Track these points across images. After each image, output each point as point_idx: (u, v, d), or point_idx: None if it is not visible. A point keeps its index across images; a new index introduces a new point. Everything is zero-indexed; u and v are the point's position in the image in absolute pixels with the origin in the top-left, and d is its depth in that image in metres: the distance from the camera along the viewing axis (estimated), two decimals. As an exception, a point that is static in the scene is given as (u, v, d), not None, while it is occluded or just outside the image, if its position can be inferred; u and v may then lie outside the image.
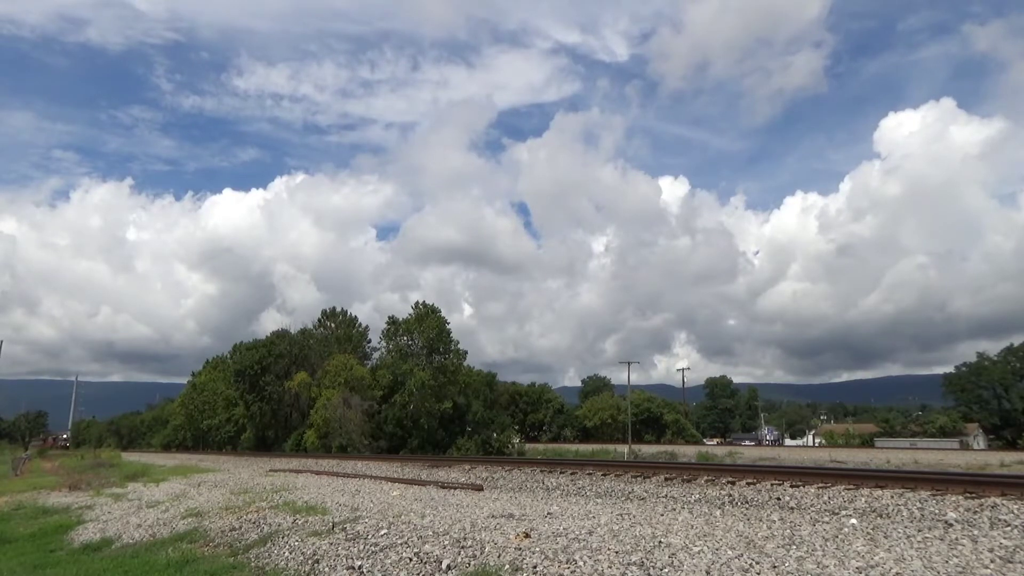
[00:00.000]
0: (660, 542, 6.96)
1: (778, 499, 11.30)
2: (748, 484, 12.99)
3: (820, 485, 12.12)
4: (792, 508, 10.40)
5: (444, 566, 6.84)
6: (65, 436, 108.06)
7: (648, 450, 68.44)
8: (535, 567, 6.34)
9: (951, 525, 7.86)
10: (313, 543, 8.78)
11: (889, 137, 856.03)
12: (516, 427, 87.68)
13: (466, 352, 61.09)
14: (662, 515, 9.15)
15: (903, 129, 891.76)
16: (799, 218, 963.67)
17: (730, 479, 13.79)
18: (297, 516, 10.94)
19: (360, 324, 66.50)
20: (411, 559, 7.30)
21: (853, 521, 8.18)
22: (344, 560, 7.78)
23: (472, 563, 6.80)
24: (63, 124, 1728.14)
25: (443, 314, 60.27)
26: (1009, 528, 7.73)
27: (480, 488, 14.67)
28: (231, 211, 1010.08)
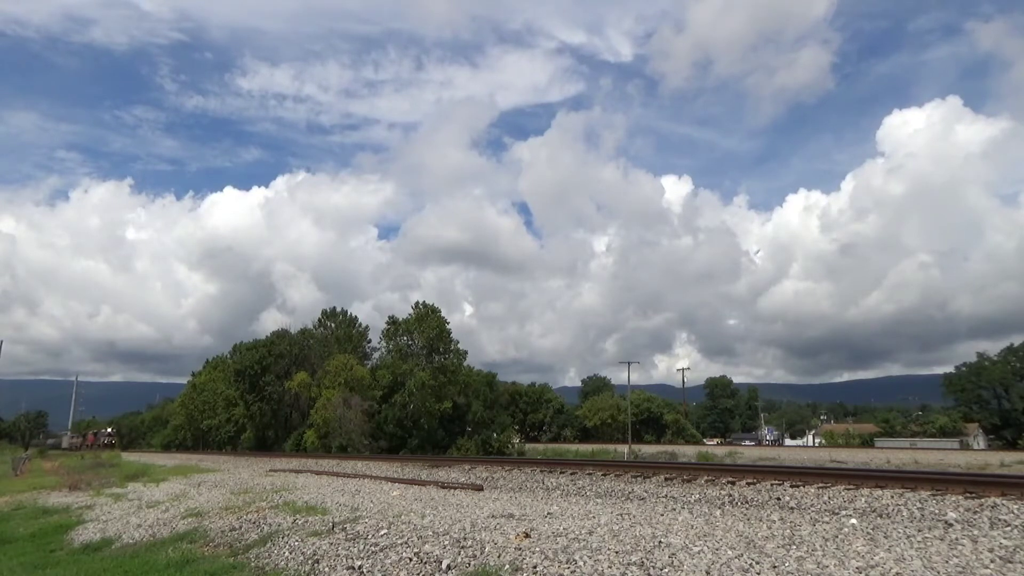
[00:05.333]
0: (660, 542, 6.95)
1: (778, 499, 11.29)
2: (748, 484, 12.98)
3: (820, 485, 12.12)
4: (792, 508, 10.39)
5: (444, 566, 6.83)
6: (110, 431, 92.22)
7: (648, 450, 68.42)
8: (535, 567, 6.34)
9: (951, 525, 7.86)
10: (313, 543, 8.78)
11: (893, 135, 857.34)
12: (516, 427, 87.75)
13: (466, 352, 61.27)
14: (662, 515, 9.14)
15: (907, 127, 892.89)
16: (801, 217, 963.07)
17: (730, 479, 13.78)
18: (297, 516, 10.94)
19: (360, 324, 66.65)
20: (411, 559, 7.29)
21: (853, 521, 8.18)
22: (344, 560, 7.78)
23: (472, 563, 6.79)
24: (67, 124, 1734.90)
25: (443, 314, 60.41)
26: (1009, 528, 7.72)
27: (480, 488, 14.66)
28: (232, 210, 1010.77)
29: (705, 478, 14.29)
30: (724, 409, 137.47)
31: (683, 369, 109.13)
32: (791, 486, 12.35)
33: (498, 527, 8.39)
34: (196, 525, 11.87)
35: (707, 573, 5.78)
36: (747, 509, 10.15)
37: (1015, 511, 8.67)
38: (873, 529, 7.49)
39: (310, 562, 8.01)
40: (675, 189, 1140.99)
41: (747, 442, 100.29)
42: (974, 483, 10.71)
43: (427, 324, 58.56)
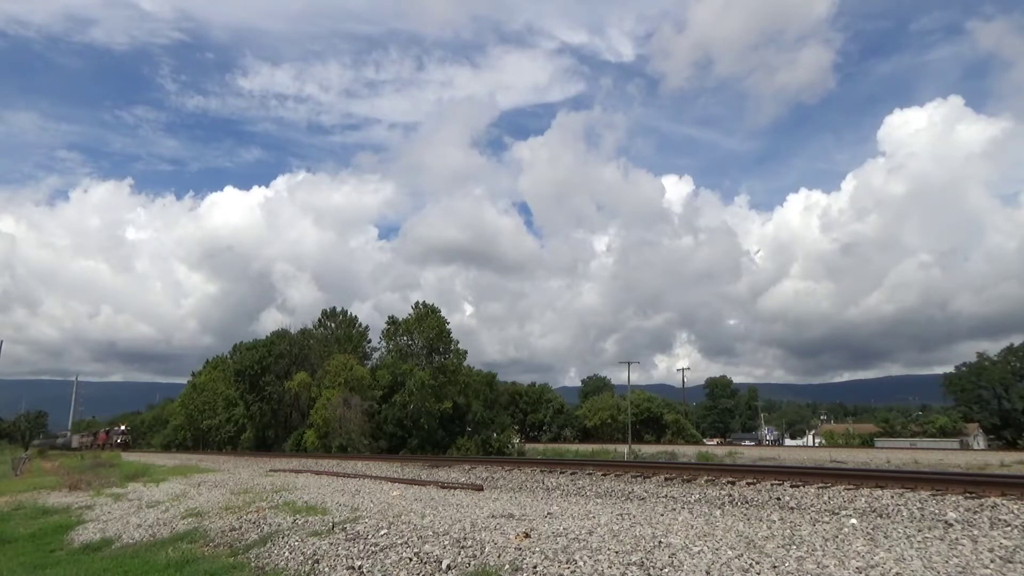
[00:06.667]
0: (660, 542, 6.95)
1: (778, 499, 11.29)
2: (748, 484, 12.98)
3: (820, 485, 12.11)
4: (792, 508, 10.39)
5: (444, 566, 6.83)
6: (123, 429, 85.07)
7: (648, 450, 68.44)
8: (535, 567, 6.34)
9: (951, 525, 7.86)
10: (313, 543, 8.78)
11: (894, 135, 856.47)
12: (516, 427, 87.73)
13: (466, 352, 61.26)
14: (662, 515, 9.14)
15: (908, 127, 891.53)
16: (802, 216, 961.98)
17: (730, 479, 13.78)
18: (297, 516, 10.94)
19: (360, 324, 66.62)
20: (411, 559, 7.29)
21: (853, 521, 8.18)
22: (344, 560, 7.78)
23: (472, 563, 6.80)
24: (67, 124, 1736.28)
25: (443, 314, 60.41)
26: (1009, 528, 7.72)
27: (480, 488, 14.66)
28: (232, 210, 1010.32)
29: (705, 478, 14.28)
30: (724, 409, 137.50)
31: (683, 369, 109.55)
32: (791, 486, 12.35)
33: (498, 527, 8.39)
34: (196, 525, 11.87)
35: (707, 573, 5.78)
36: (747, 509, 10.15)
37: (1015, 511, 8.67)
38: (873, 529, 7.49)
39: (310, 562, 8.01)
40: (676, 189, 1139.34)
41: (747, 442, 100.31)
42: (974, 483, 10.70)
43: (427, 324, 58.56)
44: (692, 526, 8.01)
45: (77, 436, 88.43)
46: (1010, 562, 5.81)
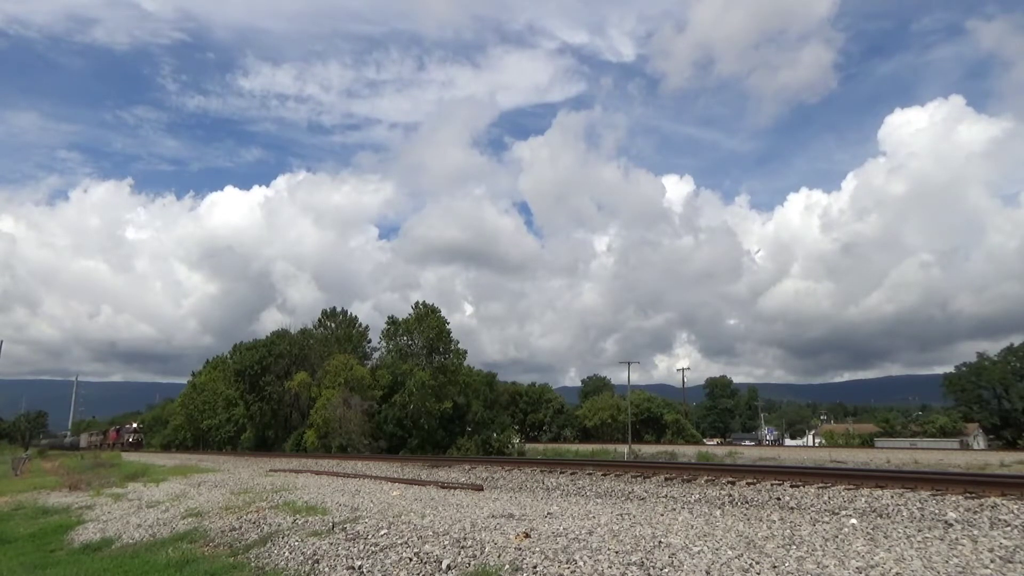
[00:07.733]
0: (660, 542, 6.95)
1: (778, 499, 11.29)
2: (748, 484, 12.98)
3: (820, 485, 12.11)
4: (792, 508, 10.38)
5: (444, 566, 6.83)
6: (135, 427, 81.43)
7: (648, 450, 68.46)
8: (535, 567, 6.34)
9: (951, 525, 7.85)
10: (313, 543, 8.78)
11: (894, 135, 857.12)
12: (516, 427, 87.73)
13: (466, 352, 61.23)
14: (662, 515, 9.14)
15: (909, 127, 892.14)
16: (802, 216, 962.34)
17: (730, 479, 13.78)
18: (297, 516, 10.94)
19: (360, 324, 66.61)
20: (411, 559, 7.29)
21: (853, 521, 8.18)
22: (344, 560, 7.78)
23: (472, 563, 6.79)
24: (68, 124, 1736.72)
25: (443, 314, 60.38)
26: (1009, 528, 7.72)
27: (480, 488, 14.66)
28: (232, 209, 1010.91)
29: (705, 478, 14.28)
30: (724, 409, 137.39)
31: (683, 369, 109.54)
32: (791, 486, 12.35)
33: (498, 527, 8.39)
34: (196, 525, 11.87)
35: (707, 573, 5.78)
36: (747, 509, 10.14)
37: (1015, 511, 8.67)
38: (873, 529, 7.49)
39: (310, 562, 8.01)
40: (676, 189, 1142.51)
41: (747, 442, 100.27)
42: (974, 483, 10.70)
43: (427, 324, 58.53)
44: (692, 526, 8.00)
45: (86, 435, 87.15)
46: (1010, 562, 5.81)
